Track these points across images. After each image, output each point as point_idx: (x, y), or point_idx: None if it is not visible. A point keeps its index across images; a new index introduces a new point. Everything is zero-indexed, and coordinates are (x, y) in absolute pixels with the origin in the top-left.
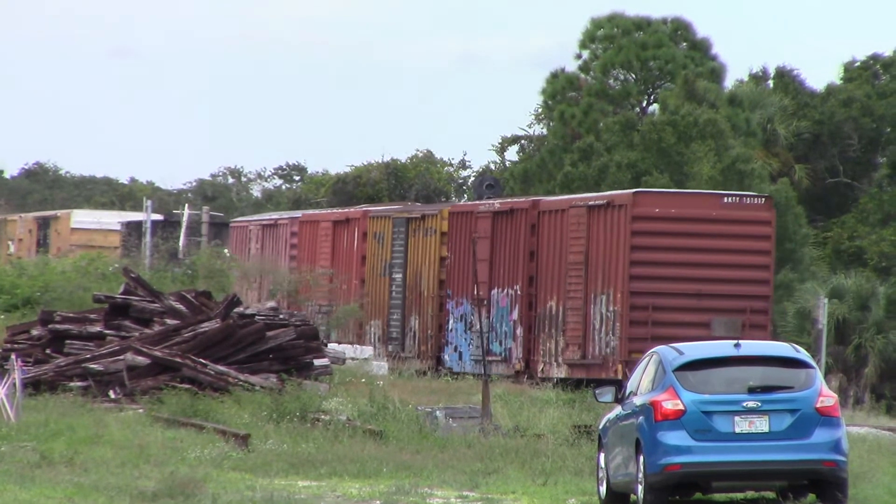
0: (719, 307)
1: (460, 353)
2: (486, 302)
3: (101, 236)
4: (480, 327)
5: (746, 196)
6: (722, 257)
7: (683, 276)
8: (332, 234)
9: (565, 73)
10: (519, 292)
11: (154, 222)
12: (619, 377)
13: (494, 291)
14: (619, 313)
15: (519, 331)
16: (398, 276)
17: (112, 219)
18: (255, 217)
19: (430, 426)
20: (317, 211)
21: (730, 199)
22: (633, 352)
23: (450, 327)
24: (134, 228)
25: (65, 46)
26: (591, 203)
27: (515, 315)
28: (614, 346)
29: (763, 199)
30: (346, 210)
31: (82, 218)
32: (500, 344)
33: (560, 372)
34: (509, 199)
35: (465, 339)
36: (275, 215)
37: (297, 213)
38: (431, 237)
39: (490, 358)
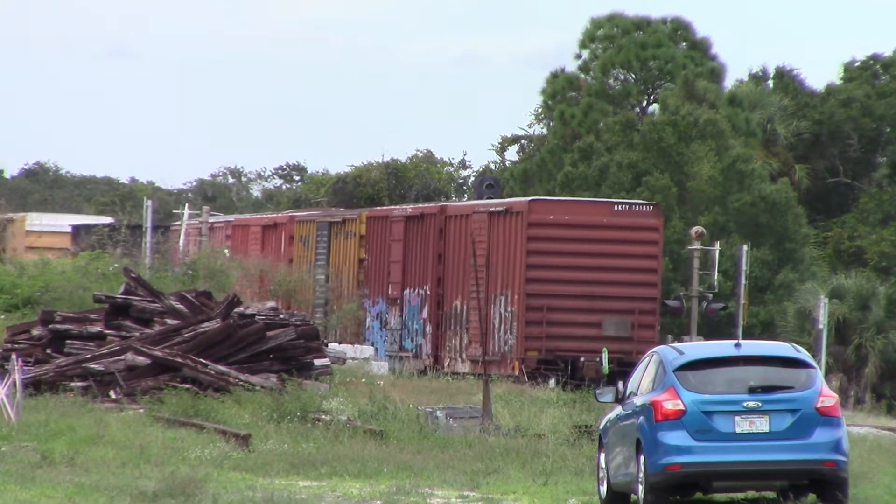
0: (610, 308)
1: (376, 349)
2: (398, 301)
3: (51, 238)
4: (481, 326)
5: (636, 204)
6: (612, 261)
7: (576, 279)
8: (261, 238)
9: (565, 73)
10: (428, 292)
11: (114, 225)
12: (516, 373)
13: (407, 291)
14: (517, 313)
15: (428, 328)
16: (321, 276)
17: (64, 222)
18: (197, 220)
19: (431, 426)
20: (248, 216)
21: (620, 206)
22: (529, 350)
23: (367, 325)
24: (83, 231)
25: (65, 46)
26: (491, 209)
27: (425, 314)
28: (512, 344)
29: (651, 207)
30: (275, 215)
31: (36, 221)
32: (412, 341)
33: (464, 367)
34: (420, 205)
35: (381, 336)
36: (212, 219)
37: (231, 218)
38: (351, 240)
39: (402, 353)
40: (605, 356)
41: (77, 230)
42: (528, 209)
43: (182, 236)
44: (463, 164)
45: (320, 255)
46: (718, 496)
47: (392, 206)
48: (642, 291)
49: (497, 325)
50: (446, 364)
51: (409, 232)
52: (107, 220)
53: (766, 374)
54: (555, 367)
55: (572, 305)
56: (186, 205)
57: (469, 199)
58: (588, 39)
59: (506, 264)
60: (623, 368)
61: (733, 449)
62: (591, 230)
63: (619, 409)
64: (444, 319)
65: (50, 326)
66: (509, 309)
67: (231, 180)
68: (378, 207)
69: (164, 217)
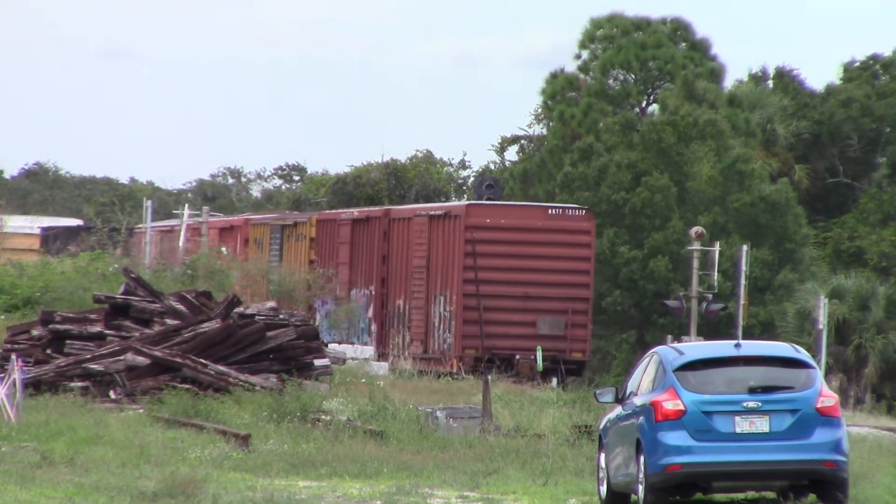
0: (544, 308)
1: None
2: (345, 300)
3: (21, 240)
4: (481, 326)
5: (569, 208)
6: (546, 263)
7: (512, 280)
8: (218, 240)
9: (565, 73)
10: (374, 292)
11: (69, 228)
12: (454, 371)
13: (354, 291)
14: (455, 313)
15: (374, 327)
16: (274, 277)
17: (33, 224)
18: (156, 224)
19: (431, 426)
20: (211, 218)
21: (554, 210)
22: (466, 348)
23: (317, 323)
24: (55, 233)
25: (65, 46)
26: (431, 213)
27: (370, 313)
28: (450, 343)
29: (584, 211)
30: (231, 218)
31: (5, 223)
32: (359, 339)
33: (407, 364)
34: (366, 209)
35: (329, 336)
36: (173, 222)
37: (191, 221)
38: (302, 242)
39: None
40: (539, 354)
41: (47, 232)
42: (465, 213)
43: (182, 236)
44: (463, 165)
45: (273, 257)
46: (718, 496)
47: (340, 210)
48: (575, 292)
49: (437, 325)
50: (390, 361)
51: (355, 234)
52: (76, 221)
53: (766, 374)
54: (491, 363)
55: (508, 305)
56: (186, 205)
57: (469, 199)
58: (588, 40)
59: (445, 266)
60: (556, 366)
61: (733, 449)
62: (526, 233)
63: (618, 410)
64: (388, 318)
65: (50, 327)
66: (448, 309)
67: (231, 180)
68: (327, 211)
69: (163, 217)
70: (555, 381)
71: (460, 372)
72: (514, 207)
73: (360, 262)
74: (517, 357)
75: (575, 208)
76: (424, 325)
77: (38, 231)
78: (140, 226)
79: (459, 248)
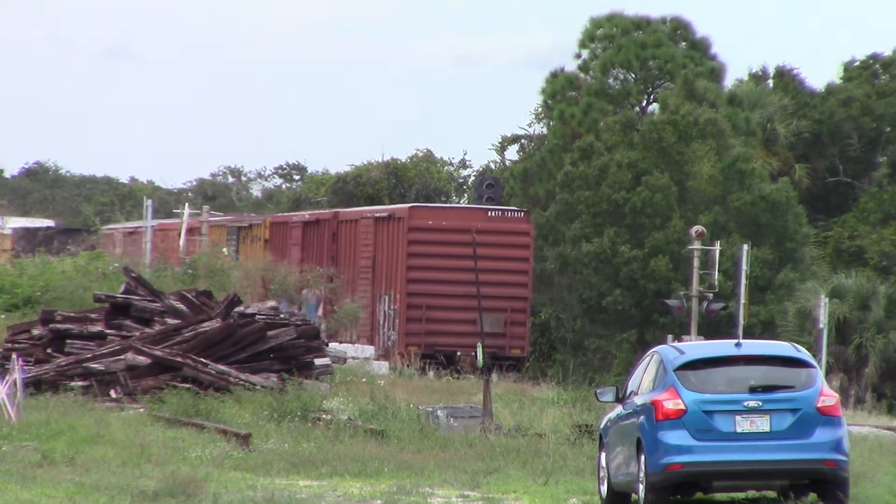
0: (485, 306)
1: None
2: (297, 299)
3: None
4: (481, 326)
5: (508, 210)
6: (487, 263)
7: (454, 280)
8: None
9: (565, 72)
10: (323, 291)
11: (41, 228)
12: (399, 367)
13: (305, 291)
14: (399, 311)
15: (324, 325)
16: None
17: (5, 224)
18: (120, 225)
19: (432, 426)
20: (170, 220)
21: (493, 212)
22: (410, 344)
23: None
24: (26, 234)
25: (65, 46)
26: (377, 215)
27: (320, 311)
28: (395, 340)
29: (522, 213)
30: (189, 220)
31: None
32: None
33: (355, 362)
34: (317, 211)
35: None
36: (137, 223)
37: (155, 222)
38: (257, 244)
39: None
40: (479, 350)
41: (17, 232)
42: (408, 215)
43: (182, 236)
44: (463, 164)
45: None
46: (719, 496)
47: (292, 213)
48: (514, 291)
49: (382, 322)
50: None
51: (306, 236)
52: (48, 222)
53: (767, 373)
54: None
55: (450, 304)
56: (186, 204)
57: (470, 198)
58: (588, 39)
59: (389, 266)
60: (497, 361)
61: (734, 448)
62: (467, 234)
63: (619, 409)
64: (337, 317)
65: (50, 326)
66: (392, 307)
67: (231, 180)
68: (280, 213)
69: (163, 216)
70: (495, 376)
71: (404, 367)
72: (455, 210)
73: (311, 263)
74: (458, 353)
75: (514, 210)
76: (371, 323)
77: (9, 232)
78: (110, 226)
79: (403, 249)
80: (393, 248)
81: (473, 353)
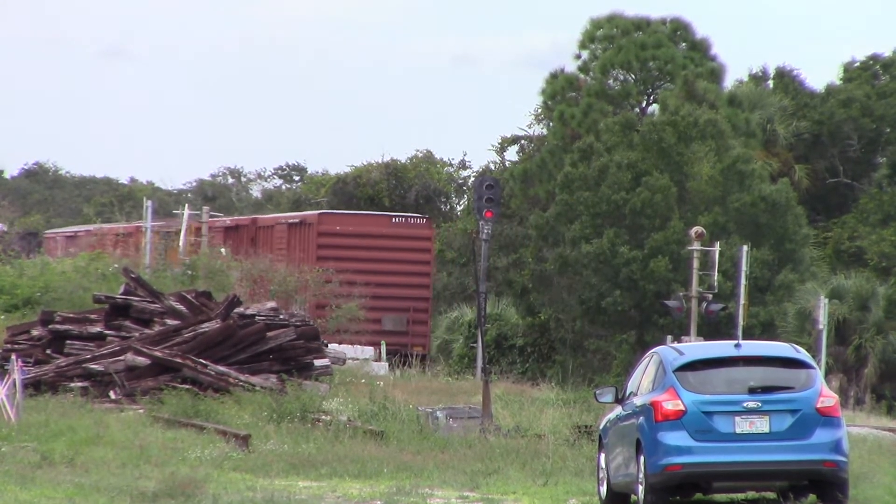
0: (389, 307)
1: None
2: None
3: None
4: (480, 326)
5: (411, 217)
6: (390, 266)
7: (360, 282)
8: (113, 246)
9: (565, 73)
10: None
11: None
12: None
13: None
14: (308, 311)
15: None
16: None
17: None
18: (61, 230)
19: (431, 426)
20: (109, 224)
21: (397, 219)
22: None
23: None
24: None
25: (65, 46)
26: (290, 221)
27: None
28: None
29: (424, 220)
30: (127, 225)
31: None
32: None
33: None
34: (237, 217)
35: None
36: (77, 228)
37: (93, 227)
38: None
39: None
40: (383, 347)
41: None
42: (317, 221)
43: (182, 236)
44: (463, 165)
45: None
46: (718, 496)
47: (215, 219)
48: (416, 292)
49: None
50: None
51: (227, 240)
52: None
53: (766, 374)
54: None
55: (356, 304)
56: (186, 205)
57: (469, 199)
58: (588, 40)
59: (300, 268)
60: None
61: (733, 449)
62: (372, 239)
63: (618, 410)
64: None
65: (50, 327)
66: (303, 308)
67: (231, 180)
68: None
69: (163, 217)
70: (398, 371)
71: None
72: (361, 216)
73: None
74: None
75: (416, 217)
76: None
77: None
78: (50, 231)
79: (313, 253)
80: (304, 251)
81: (377, 350)
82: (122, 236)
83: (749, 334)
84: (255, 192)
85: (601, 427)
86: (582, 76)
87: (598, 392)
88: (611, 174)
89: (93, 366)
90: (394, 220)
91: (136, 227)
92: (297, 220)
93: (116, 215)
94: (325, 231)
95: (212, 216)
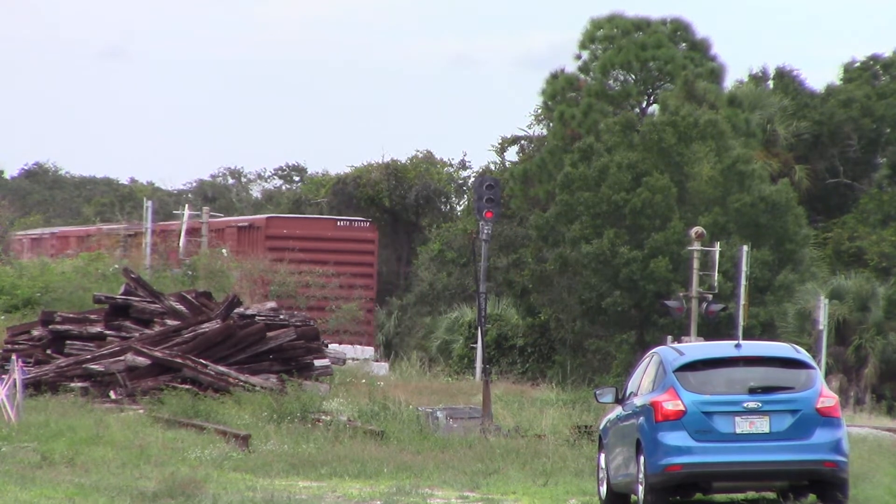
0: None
1: None
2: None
3: None
4: (481, 327)
5: (355, 221)
6: (336, 267)
7: (307, 282)
8: (76, 247)
9: (565, 73)
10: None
11: None
12: None
13: None
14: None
15: None
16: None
17: None
18: (27, 231)
19: (431, 426)
20: (70, 227)
21: (342, 222)
22: None
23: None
24: None
25: (65, 47)
26: (240, 224)
27: None
28: None
29: (368, 223)
30: (87, 228)
31: None
32: None
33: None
34: (192, 221)
35: None
36: (43, 230)
37: (56, 229)
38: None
39: None
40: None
41: None
42: (265, 224)
43: (182, 237)
44: (463, 165)
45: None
46: (718, 497)
47: (171, 221)
48: (361, 292)
49: None
50: None
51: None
52: None
53: (766, 374)
54: None
55: (304, 304)
56: (186, 206)
57: (469, 199)
58: (588, 40)
59: (251, 270)
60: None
61: (733, 449)
62: (319, 242)
63: (619, 410)
64: None
65: (50, 327)
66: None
67: (231, 181)
68: (163, 222)
69: (163, 217)
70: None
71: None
72: (307, 220)
73: None
74: None
75: (360, 220)
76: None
77: None
78: (19, 232)
79: (262, 255)
80: (254, 253)
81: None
82: (84, 239)
83: (749, 335)
84: (256, 192)
85: (601, 427)
86: (582, 76)
87: (598, 392)
88: (611, 174)
89: (93, 366)
90: (339, 223)
91: (97, 228)
92: (246, 224)
93: (117, 215)
94: (272, 234)
95: (212, 216)
